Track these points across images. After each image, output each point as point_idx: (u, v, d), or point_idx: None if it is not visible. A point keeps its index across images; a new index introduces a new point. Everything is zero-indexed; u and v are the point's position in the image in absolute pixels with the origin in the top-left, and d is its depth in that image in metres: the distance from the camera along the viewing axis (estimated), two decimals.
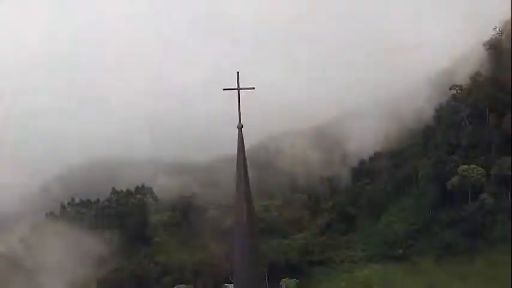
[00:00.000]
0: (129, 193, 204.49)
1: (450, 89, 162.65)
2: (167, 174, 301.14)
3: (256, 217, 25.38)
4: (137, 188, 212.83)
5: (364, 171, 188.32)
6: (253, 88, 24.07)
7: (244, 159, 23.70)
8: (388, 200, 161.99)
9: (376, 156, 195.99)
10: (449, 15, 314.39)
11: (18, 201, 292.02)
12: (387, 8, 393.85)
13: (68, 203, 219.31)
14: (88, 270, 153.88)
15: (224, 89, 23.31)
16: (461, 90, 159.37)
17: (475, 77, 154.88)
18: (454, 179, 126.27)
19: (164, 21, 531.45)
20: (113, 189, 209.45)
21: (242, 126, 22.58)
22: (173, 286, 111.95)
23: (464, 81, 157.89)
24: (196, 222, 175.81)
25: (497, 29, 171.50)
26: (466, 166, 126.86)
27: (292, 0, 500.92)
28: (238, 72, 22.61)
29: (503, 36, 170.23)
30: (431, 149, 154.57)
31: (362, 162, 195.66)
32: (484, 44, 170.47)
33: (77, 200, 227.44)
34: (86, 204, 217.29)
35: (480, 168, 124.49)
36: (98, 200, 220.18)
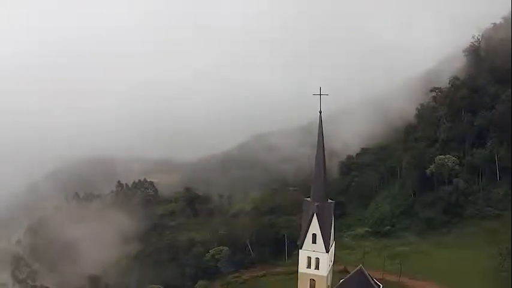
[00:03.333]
0: (134, 186, 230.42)
1: (430, 91, 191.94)
2: (156, 172, 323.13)
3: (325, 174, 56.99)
4: (139, 181, 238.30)
5: (352, 165, 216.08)
6: (327, 94, 55.88)
7: (322, 135, 55.10)
8: (374, 189, 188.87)
9: (363, 152, 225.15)
10: (435, 22, 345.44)
11: (11, 197, 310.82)
12: (377, 13, 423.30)
13: (73, 197, 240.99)
14: (119, 248, 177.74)
15: (313, 94, 55.84)
16: (440, 92, 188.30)
17: (453, 81, 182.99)
18: (432, 167, 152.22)
19: (157, 22, 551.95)
20: (119, 182, 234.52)
21: (321, 112, 54.59)
22: (202, 257, 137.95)
23: (443, 83, 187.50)
24: (202, 210, 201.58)
25: (476, 37, 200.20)
26: (442, 156, 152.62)
27: (282, 2, 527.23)
28: (320, 87, 53.74)
29: (481, 44, 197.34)
30: (412, 143, 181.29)
31: (350, 158, 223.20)
32: (463, 51, 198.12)
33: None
34: (90, 197, 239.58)
35: (454, 158, 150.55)
36: (100, 194, 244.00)
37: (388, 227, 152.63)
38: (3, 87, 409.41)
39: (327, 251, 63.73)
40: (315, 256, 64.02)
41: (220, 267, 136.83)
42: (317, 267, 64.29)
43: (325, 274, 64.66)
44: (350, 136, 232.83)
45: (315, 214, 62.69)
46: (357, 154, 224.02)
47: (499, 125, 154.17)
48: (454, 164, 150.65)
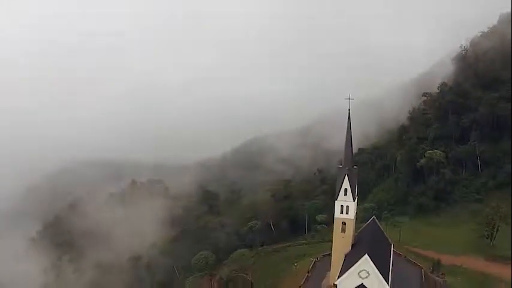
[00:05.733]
0: (149, 184, 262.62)
1: (422, 95, 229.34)
2: (156, 173, 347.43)
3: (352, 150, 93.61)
4: (150, 180, 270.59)
5: None
6: (353, 99, 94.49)
7: (350, 125, 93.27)
8: (372, 184, 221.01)
9: (360, 152, 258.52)
10: (429, 28, 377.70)
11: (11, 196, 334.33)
12: (373, 19, 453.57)
13: (88, 193, 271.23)
14: (152, 234, 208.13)
15: (345, 99, 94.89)
16: (430, 96, 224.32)
17: (442, 87, 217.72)
18: (423, 160, 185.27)
19: (157, 22, 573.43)
20: (133, 180, 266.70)
21: (350, 110, 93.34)
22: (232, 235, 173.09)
23: (433, 88, 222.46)
24: (216, 203, 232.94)
25: (463, 47, 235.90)
26: (431, 151, 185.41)
27: (282, 5, 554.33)
28: (349, 94, 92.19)
29: (469, 52, 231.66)
30: (405, 142, 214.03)
31: None
32: (452, 59, 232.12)
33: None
34: (102, 194, 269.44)
35: (441, 153, 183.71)
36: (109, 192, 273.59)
37: (386, 212, 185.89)
38: (3, 88, 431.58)
39: (354, 200, 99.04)
40: (346, 204, 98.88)
41: (253, 239, 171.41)
42: (347, 213, 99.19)
43: (353, 218, 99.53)
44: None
45: (346, 175, 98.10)
46: (354, 153, 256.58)
47: (481, 125, 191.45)
48: (441, 158, 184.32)
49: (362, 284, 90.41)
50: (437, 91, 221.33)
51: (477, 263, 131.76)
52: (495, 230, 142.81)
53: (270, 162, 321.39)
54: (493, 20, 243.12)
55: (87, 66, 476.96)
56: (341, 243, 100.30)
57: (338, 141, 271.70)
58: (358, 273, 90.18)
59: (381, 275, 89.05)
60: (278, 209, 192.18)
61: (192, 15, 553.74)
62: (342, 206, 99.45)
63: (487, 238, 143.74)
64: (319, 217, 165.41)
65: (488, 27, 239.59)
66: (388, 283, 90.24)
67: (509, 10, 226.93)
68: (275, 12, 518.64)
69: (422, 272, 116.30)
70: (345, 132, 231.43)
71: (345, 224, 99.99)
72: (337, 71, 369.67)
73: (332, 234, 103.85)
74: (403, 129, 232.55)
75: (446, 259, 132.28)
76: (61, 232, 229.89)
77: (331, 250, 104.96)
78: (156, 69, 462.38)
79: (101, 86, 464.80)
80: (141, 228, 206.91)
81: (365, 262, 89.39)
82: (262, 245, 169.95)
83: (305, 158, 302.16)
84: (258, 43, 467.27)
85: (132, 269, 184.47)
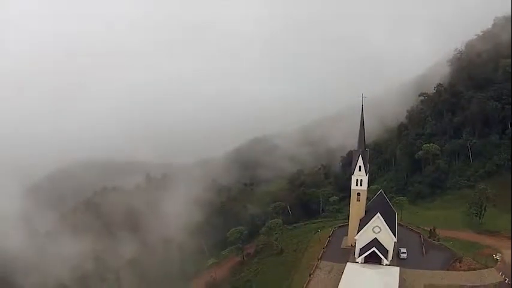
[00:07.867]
0: (163, 179, 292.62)
1: (419, 95, 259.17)
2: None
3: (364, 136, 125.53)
4: (164, 176, 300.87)
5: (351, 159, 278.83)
6: (366, 97, 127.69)
7: (363, 116, 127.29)
8: (374, 176, 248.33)
9: None
10: (426, 32, 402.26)
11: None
12: (373, 23, 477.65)
13: (102, 190, 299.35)
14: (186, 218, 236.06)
15: (359, 97, 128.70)
16: (427, 96, 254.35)
17: (437, 87, 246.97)
18: (420, 153, 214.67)
19: (157, 24, 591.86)
20: (147, 175, 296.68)
21: (363, 105, 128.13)
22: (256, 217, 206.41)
23: (430, 89, 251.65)
24: (233, 194, 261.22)
25: (458, 50, 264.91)
26: (427, 145, 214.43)
27: (281, 8, 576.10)
28: (362, 93, 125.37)
29: (463, 55, 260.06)
30: (404, 138, 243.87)
31: (350, 153, 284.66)
32: (447, 61, 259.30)
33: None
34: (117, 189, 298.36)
35: (437, 146, 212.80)
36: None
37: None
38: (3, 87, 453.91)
39: (367, 174, 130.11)
40: (360, 178, 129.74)
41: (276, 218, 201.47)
42: (361, 185, 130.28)
43: (365, 189, 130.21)
44: (349, 134, 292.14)
45: (360, 155, 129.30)
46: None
47: (472, 122, 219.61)
48: (436, 151, 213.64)
49: (375, 238, 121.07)
50: (434, 91, 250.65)
51: (467, 235, 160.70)
52: (483, 209, 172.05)
53: (274, 160, 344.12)
54: (488, 24, 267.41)
55: (88, 66, 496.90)
56: (357, 209, 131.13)
57: (338, 139, 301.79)
58: (372, 229, 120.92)
59: (390, 230, 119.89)
60: (293, 195, 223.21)
61: (193, 16, 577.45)
62: (357, 179, 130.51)
63: (476, 216, 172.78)
64: (332, 199, 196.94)
65: (482, 31, 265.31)
66: (395, 238, 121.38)
67: (504, 14, 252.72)
68: (276, 13, 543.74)
69: (422, 236, 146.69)
70: (345, 131, 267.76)
71: (359, 194, 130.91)
72: (338, 72, 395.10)
73: (349, 205, 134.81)
74: (402, 127, 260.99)
75: (440, 232, 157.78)
76: (89, 221, 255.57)
77: (347, 220, 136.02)
78: (159, 71, 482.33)
79: (102, 86, 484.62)
80: (167, 216, 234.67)
81: (377, 219, 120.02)
82: (284, 224, 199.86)
83: (308, 156, 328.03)
84: (259, 44, 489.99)
85: (165, 249, 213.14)
